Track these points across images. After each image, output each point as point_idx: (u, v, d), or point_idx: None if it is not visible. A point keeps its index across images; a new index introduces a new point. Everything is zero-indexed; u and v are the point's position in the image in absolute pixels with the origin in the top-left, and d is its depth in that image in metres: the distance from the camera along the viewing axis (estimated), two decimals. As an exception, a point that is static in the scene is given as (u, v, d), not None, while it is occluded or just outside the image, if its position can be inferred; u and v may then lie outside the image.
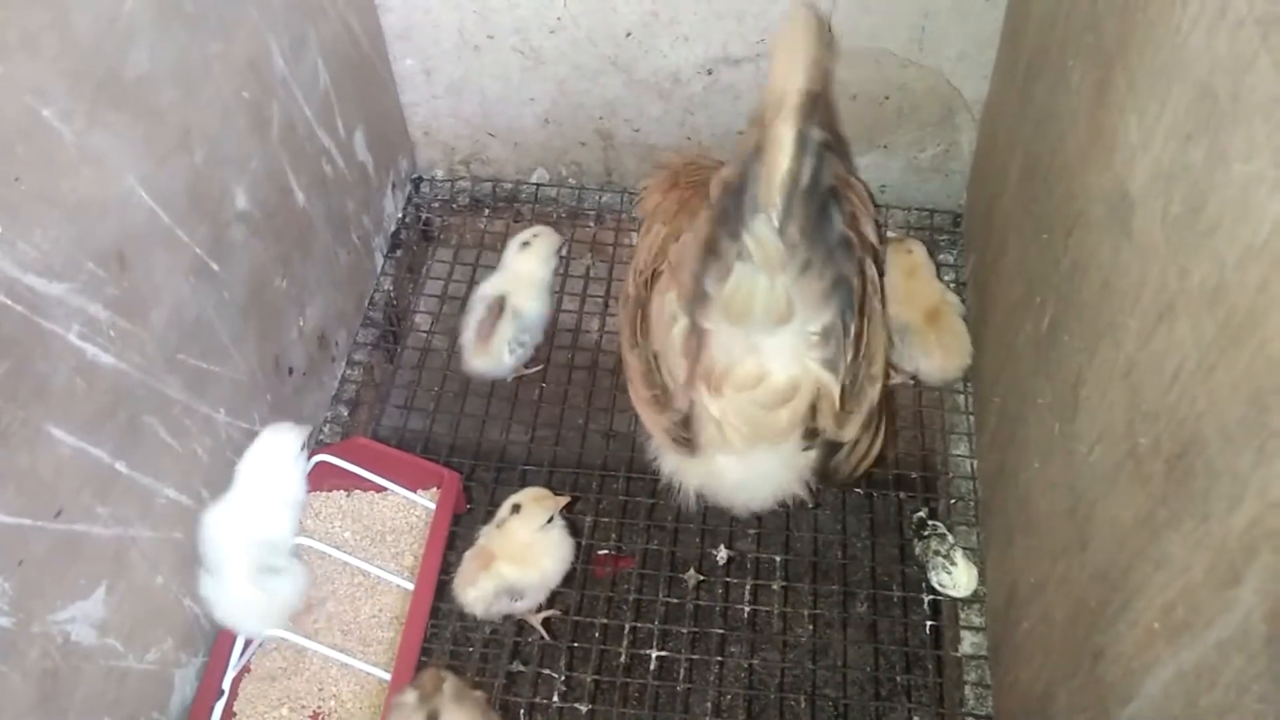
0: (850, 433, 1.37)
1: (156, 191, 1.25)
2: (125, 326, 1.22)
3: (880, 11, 1.79)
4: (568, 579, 1.60)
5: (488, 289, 1.88)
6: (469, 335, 1.83)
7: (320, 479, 1.65)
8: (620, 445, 1.84)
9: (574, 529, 1.62)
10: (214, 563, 1.42)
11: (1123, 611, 1.01)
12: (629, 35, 1.89)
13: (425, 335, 2.01)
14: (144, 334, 1.26)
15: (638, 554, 1.70)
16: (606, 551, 1.73)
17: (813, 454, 1.38)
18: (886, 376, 1.48)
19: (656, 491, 1.76)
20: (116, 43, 1.16)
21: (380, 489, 1.67)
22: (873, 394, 1.37)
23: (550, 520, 1.55)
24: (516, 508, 1.56)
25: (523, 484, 1.67)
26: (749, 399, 1.24)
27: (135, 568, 1.29)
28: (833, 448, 1.38)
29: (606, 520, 1.73)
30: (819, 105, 1.02)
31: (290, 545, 1.50)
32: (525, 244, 1.92)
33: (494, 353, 1.81)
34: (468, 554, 1.54)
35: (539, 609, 1.61)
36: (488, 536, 1.55)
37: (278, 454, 1.50)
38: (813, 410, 1.29)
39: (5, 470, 1.06)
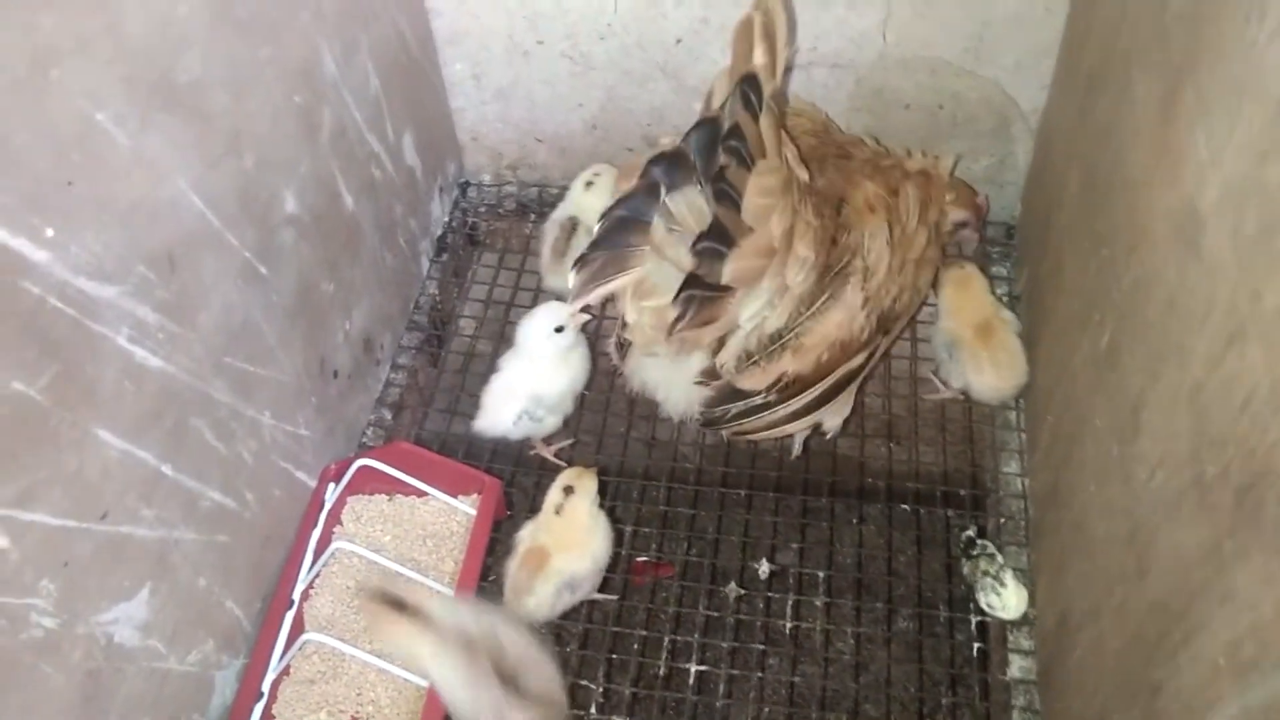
0: (747, 383, 1.45)
1: (207, 195, 1.26)
2: (174, 329, 1.22)
3: (935, 19, 1.75)
4: (605, 585, 1.59)
5: (558, 213, 1.94)
6: (545, 255, 1.91)
7: (362, 482, 1.65)
8: (662, 453, 1.82)
9: (614, 537, 1.61)
10: (494, 395, 1.68)
11: (1184, 645, 0.98)
12: (679, 42, 1.87)
13: (470, 339, 2.00)
14: (192, 337, 1.26)
15: (678, 564, 1.69)
16: (646, 559, 1.72)
17: (707, 390, 1.48)
18: (846, 364, 1.51)
19: (697, 501, 1.75)
20: (170, 47, 1.16)
21: (422, 494, 1.66)
22: (791, 363, 1.45)
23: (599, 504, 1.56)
24: (569, 489, 1.55)
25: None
26: (640, 303, 1.36)
27: (178, 570, 1.30)
28: (733, 394, 1.47)
29: (647, 530, 1.72)
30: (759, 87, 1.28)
31: (556, 403, 1.70)
32: (589, 183, 1.94)
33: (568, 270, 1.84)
34: (511, 564, 1.52)
35: (547, 442, 1.76)
36: (534, 534, 1.53)
37: (546, 326, 1.68)
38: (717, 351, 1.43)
39: (53, 472, 1.06)
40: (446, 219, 2.13)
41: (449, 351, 2.01)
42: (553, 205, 2.16)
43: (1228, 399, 0.91)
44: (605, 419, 1.84)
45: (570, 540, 1.53)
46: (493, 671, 1.28)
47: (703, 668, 1.55)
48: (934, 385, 1.80)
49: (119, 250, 1.11)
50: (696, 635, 1.58)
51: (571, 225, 1.90)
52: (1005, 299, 1.91)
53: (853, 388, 1.61)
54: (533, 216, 2.15)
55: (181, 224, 1.22)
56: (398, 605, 1.30)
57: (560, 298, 1.85)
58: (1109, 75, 1.40)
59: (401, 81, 1.80)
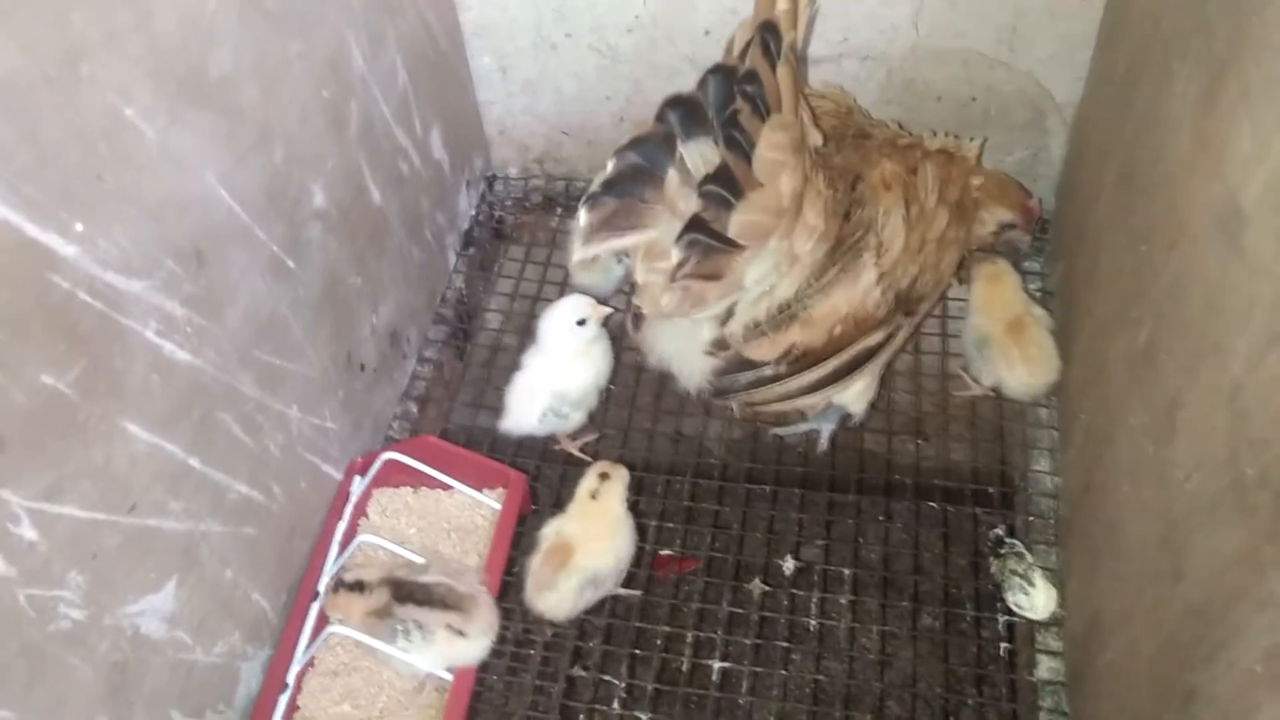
0: (756, 353, 1.44)
1: (235, 189, 1.26)
2: (201, 323, 1.23)
3: (968, 10, 1.73)
4: (629, 580, 1.58)
5: None
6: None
7: (387, 475, 1.65)
8: (688, 448, 1.81)
9: (638, 532, 1.60)
10: (518, 395, 1.68)
11: (1220, 651, 0.96)
12: (707, 34, 1.86)
13: (496, 333, 2.00)
14: (219, 331, 1.27)
15: (702, 560, 1.68)
16: (669, 553, 1.71)
17: (717, 360, 1.47)
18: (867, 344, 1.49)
19: (722, 496, 1.74)
20: (199, 42, 1.17)
21: (447, 487, 1.66)
22: (800, 334, 1.43)
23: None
24: (605, 475, 1.56)
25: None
26: (651, 264, 1.34)
27: (205, 562, 1.30)
28: (742, 364, 1.46)
29: (671, 525, 1.71)
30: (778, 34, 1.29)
31: (579, 399, 1.70)
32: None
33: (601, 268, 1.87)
34: (534, 560, 1.52)
35: (572, 437, 1.76)
36: (560, 529, 1.53)
37: (568, 320, 1.68)
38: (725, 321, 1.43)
39: (81, 466, 1.07)
40: (473, 213, 2.12)
41: (475, 345, 2.01)
42: (579, 199, 2.16)
43: (1268, 401, 0.89)
44: (630, 414, 1.84)
45: (598, 531, 1.53)
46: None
47: (726, 664, 1.54)
48: (964, 382, 1.78)
49: (147, 245, 1.12)
50: (720, 631, 1.58)
51: None
52: (1038, 294, 1.88)
53: (874, 368, 1.58)
54: (559, 210, 2.14)
55: (209, 218, 1.23)
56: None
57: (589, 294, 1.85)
58: (1148, 67, 1.37)
59: (429, 75, 1.79)
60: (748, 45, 1.30)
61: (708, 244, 1.26)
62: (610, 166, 1.31)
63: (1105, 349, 1.45)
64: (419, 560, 1.53)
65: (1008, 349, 1.70)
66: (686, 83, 1.89)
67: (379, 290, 1.71)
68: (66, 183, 1.00)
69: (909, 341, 1.62)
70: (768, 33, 1.29)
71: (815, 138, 1.45)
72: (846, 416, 1.69)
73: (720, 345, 1.46)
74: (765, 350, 1.45)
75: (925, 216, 1.52)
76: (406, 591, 1.41)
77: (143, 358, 1.14)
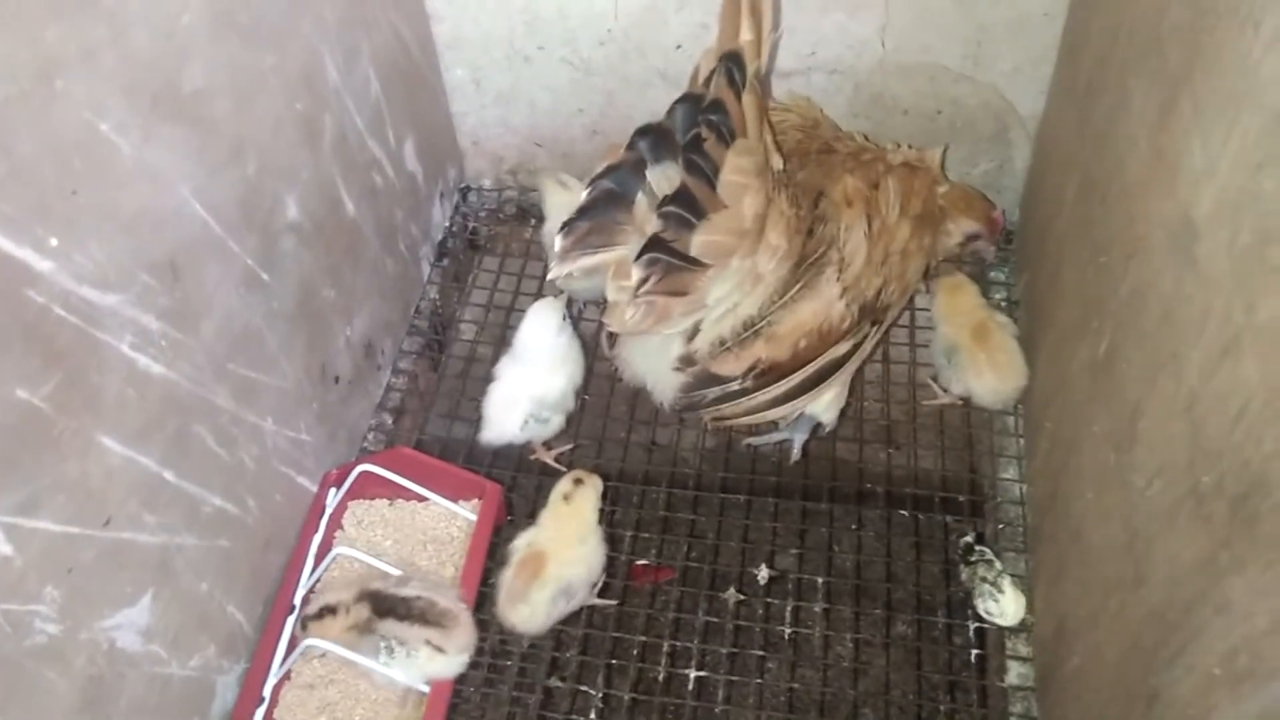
0: (722, 368, 1.47)
1: (209, 203, 1.26)
2: (176, 337, 1.23)
3: (934, 26, 1.76)
4: (605, 590, 1.60)
5: (552, 226, 1.91)
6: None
7: (363, 487, 1.66)
8: (662, 458, 1.83)
9: (613, 542, 1.62)
10: (497, 405, 1.69)
11: (1180, 654, 0.98)
12: (679, 48, 1.88)
13: (470, 344, 2.01)
14: (194, 344, 1.27)
15: (677, 569, 1.69)
16: (645, 563, 1.72)
17: (684, 376, 1.50)
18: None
19: (697, 506, 1.76)
20: (173, 57, 1.17)
21: (423, 499, 1.67)
22: (765, 350, 1.47)
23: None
24: (579, 480, 1.58)
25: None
26: (620, 283, 1.36)
27: (180, 576, 1.30)
28: (710, 379, 1.49)
29: (647, 535, 1.72)
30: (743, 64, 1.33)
31: (558, 402, 1.71)
32: (562, 184, 1.96)
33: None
34: (507, 572, 1.52)
35: (548, 447, 1.76)
36: (532, 539, 1.54)
37: (544, 326, 1.69)
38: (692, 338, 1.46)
39: (57, 479, 1.07)
40: (447, 224, 2.13)
41: (450, 356, 2.02)
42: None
43: (1222, 410, 0.92)
44: (605, 424, 1.85)
45: (570, 537, 1.54)
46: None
47: (702, 673, 1.56)
48: (933, 391, 1.81)
49: (122, 259, 1.12)
50: (696, 641, 1.59)
51: None
52: (1004, 304, 1.91)
53: (843, 378, 1.61)
54: (533, 221, 2.15)
55: (184, 232, 1.23)
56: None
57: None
58: (1107, 83, 1.41)
59: (402, 87, 1.80)
60: (712, 74, 1.34)
61: (668, 262, 1.30)
62: (585, 195, 1.35)
63: (1068, 358, 1.48)
64: (395, 572, 1.53)
65: (975, 356, 1.73)
66: (658, 95, 1.96)
67: (353, 302, 1.72)
68: (41, 198, 1.01)
69: (877, 348, 1.65)
70: (732, 63, 1.33)
71: (777, 162, 1.48)
72: (818, 425, 1.71)
73: (687, 361, 1.49)
74: (731, 366, 1.48)
75: (887, 230, 1.56)
76: (387, 606, 1.41)
77: (118, 371, 1.14)
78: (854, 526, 1.72)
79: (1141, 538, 1.11)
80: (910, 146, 1.73)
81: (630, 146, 1.33)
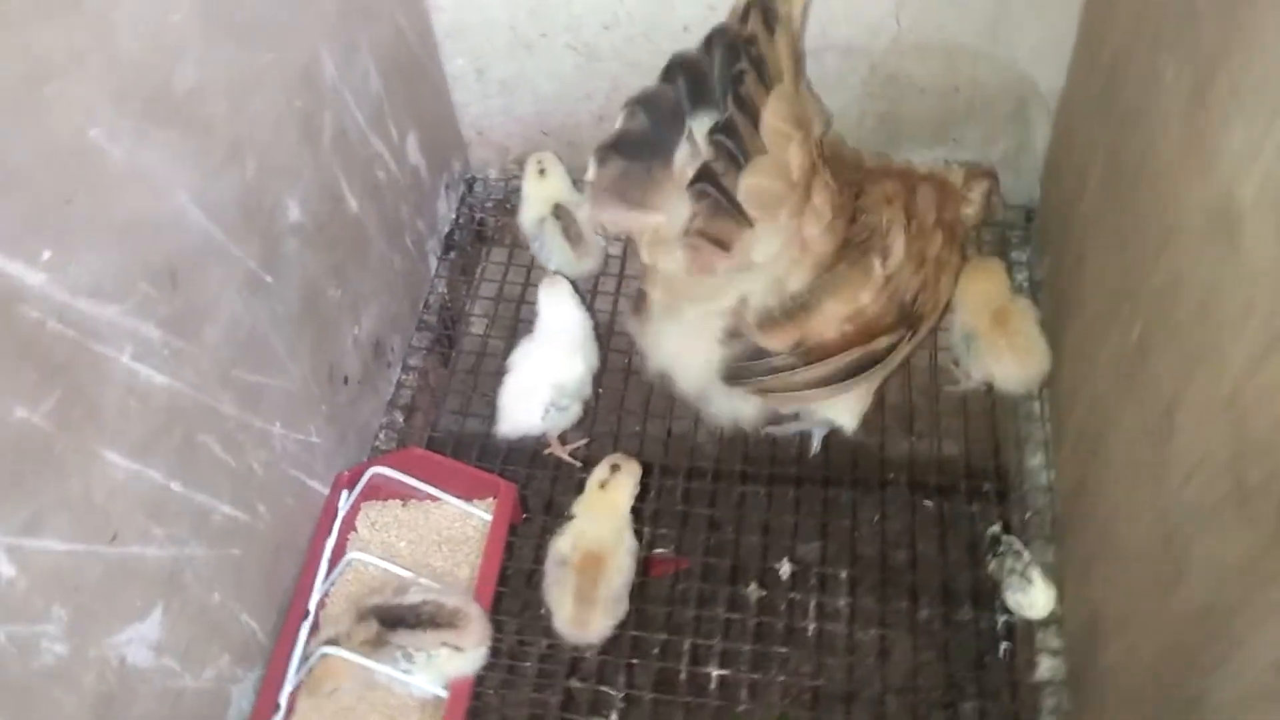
0: (769, 341, 1.45)
1: (208, 206, 1.23)
2: (178, 345, 1.20)
3: (951, 3, 1.71)
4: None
5: (531, 214, 1.92)
6: (559, 246, 1.89)
7: (376, 488, 1.63)
8: (679, 448, 1.79)
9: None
10: (515, 396, 1.66)
11: (1225, 660, 0.94)
12: (686, 30, 1.82)
13: (481, 338, 1.98)
14: (197, 351, 1.24)
15: (696, 563, 1.66)
16: (662, 552, 1.69)
17: (730, 349, 1.47)
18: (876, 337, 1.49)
19: (716, 497, 1.72)
20: (164, 58, 1.13)
21: (436, 499, 1.64)
22: (812, 325, 1.44)
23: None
24: (616, 467, 1.56)
25: (579, 490, 1.61)
26: (657, 249, 1.38)
27: (190, 587, 1.28)
28: (756, 352, 1.46)
29: (665, 532, 1.69)
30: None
31: (578, 389, 1.68)
32: (541, 172, 1.94)
33: (591, 250, 1.91)
34: (565, 577, 1.47)
35: (562, 441, 1.73)
36: (576, 538, 1.50)
37: (562, 301, 1.70)
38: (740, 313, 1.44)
39: (59, 498, 1.04)
40: (453, 216, 2.09)
41: (460, 351, 1.99)
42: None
43: (1270, 406, 0.88)
44: (620, 416, 1.82)
45: (611, 531, 1.51)
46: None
47: (724, 672, 1.53)
48: (955, 377, 1.77)
49: (119, 268, 1.09)
50: (718, 639, 1.56)
51: (563, 211, 1.90)
52: (1026, 285, 1.87)
53: (873, 380, 1.58)
54: (541, 210, 2.11)
55: (183, 238, 1.19)
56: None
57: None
58: (1134, 59, 1.35)
59: (403, 79, 1.76)
60: (747, 9, 1.31)
61: (716, 198, 1.27)
62: (621, 119, 1.33)
63: (1096, 346, 1.43)
64: (408, 576, 1.50)
65: (994, 341, 1.69)
66: (667, 80, 1.90)
67: (360, 300, 1.68)
68: (32, 210, 0.97)
69: (908, 359, 1.62)
70: (766, 5, 1.31)
71: (817, 124, 1.46)
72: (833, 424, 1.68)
73: (734, 334, 1.47)
74: (779, 339, 1.46)
75: (924, 233, 1.55)
76: (395, 617, 1.39)
77: (119, 384, 1.11)
78: (876, 518, 1.69)
79: (1179, 535, 1.07)
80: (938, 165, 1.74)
81: (667, 76, 1.31)
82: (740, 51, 1.29)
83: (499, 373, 1.75)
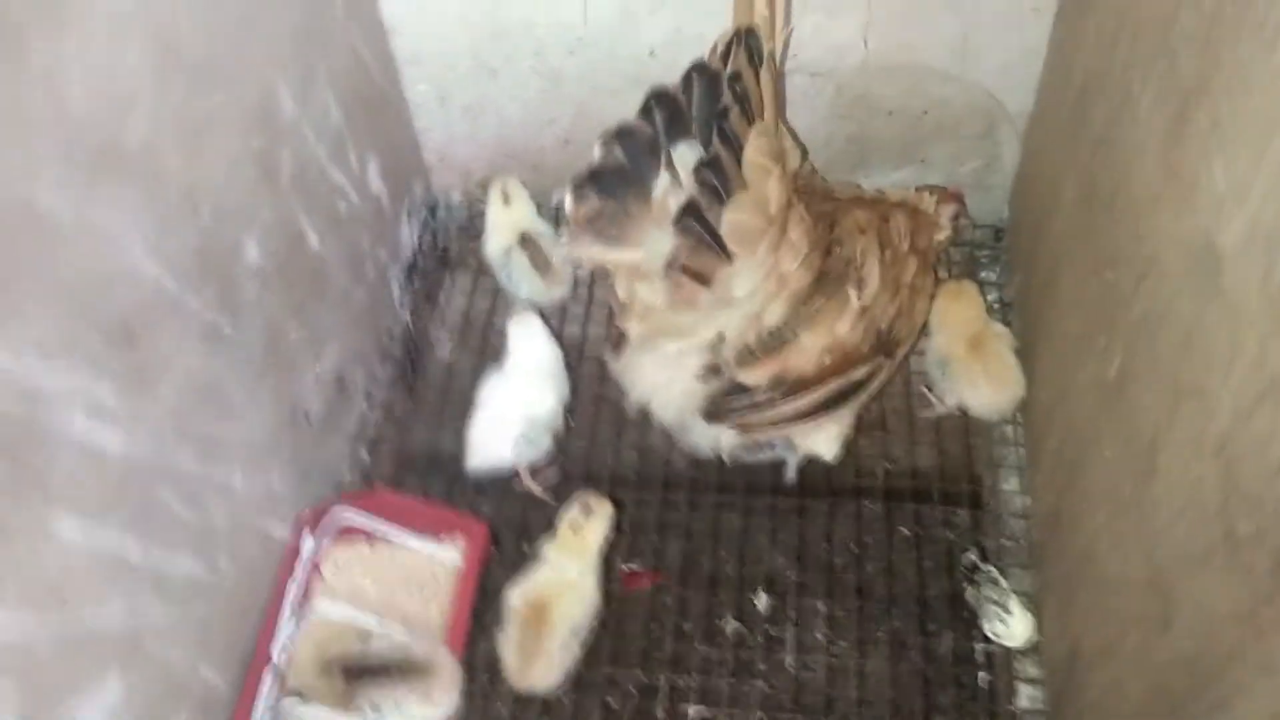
0: (749, 377, 1.44)
1: (162, 258, 1.18)
2: (134, 403, 1.15)
3: (918, 24, 1.69)
4: (601, 624, 1.55)
5: (498, 244, 1.90)
6: (526, 274, 1.87)
7: (340, 529, 1.58)
8: (653, 461, 1.75)
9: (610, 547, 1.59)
10: (485, 430, 1.64)
11: (1219, 710, 0.93)
12: (652, 54, 1.80)
13: (448, 365, 1.93)
14: (154, 408, 1.19)
15: (674, 599, 1.63)
16: (633, 567, 1.66)
17: (709, 386, 1.47)
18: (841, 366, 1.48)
19: (690, 532, 1.69)
20: (113, 109, 1.08)
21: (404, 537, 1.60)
22: (791, 359, 1.44)
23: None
24: (588, 508, 1.54)
25: (550, 522, 1.58)
26: (636, 284, 1.37)
27: (148, 648, 1.22)
28: (735, 388, 1.46)
29: (641, 541, 1.68)
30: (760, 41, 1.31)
31: (549, 422, 1.67)
32: (505, 197, 1.92)
33: (560, 278, 1.88)
34: (511, 631, 1.46)
35: (533, 473, 1.69)
36: (526, 589, 1.49)
37: (532, 336, 1.68)
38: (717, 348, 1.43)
39: (8, 568, 0.98)
40: (416, 242, 2.04)
41: (426, 379, 1.94)
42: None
43: (1261, 457, 0.86)
44: (591, 444, 1.78)
45: (574, 572, 1.50)
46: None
47: (701, 707, 1.51)
48: (929, 401, 1.76)
49: (71, 329, 1.03)
50: (695, 675, 1.54)
51: (529, 239, 1.88)
52: (998, 304, 1.86)
53: (852, 409, 1.57)
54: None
55: (136, 292, 1.14)
56: None
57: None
58: (1106, 85, 1.34)
59: (363, 108, 1.71)
60: (729, 48, 1.31)
61: (701, 234, 1.26)
62: (597, 154, 1.31)
63: (1071, 372, 1.42)
64: (374, 622, 1.46)
65: (970, 367, 1.68)
66: (633, 103, 1.82)
67: (322, 337, 1.63)
68: (-26, 275, 0.92)
69: (886, 385, 1.60)
70: (750, 37, 1.31)
71: (794, 159, 1.46)
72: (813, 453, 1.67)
73: (713, 370, 1.46)
74: (758, 374, 1.45)
75: (899, 260, 1.55)
76: (359, 670, 1.35)
77: (71, 447, 1.05)
78: (855, 548, 1.67)
79: (1166, 576, 1.05)
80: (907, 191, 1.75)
81: (644, 113, 1.30)
82: (724, 87, 1.28)
83: (466, 400, 1.72)
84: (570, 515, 1.53)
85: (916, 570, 1.63)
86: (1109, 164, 1.30)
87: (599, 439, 1.79)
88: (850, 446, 1.71)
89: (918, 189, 1.78)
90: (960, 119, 1.82)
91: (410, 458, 1.83)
